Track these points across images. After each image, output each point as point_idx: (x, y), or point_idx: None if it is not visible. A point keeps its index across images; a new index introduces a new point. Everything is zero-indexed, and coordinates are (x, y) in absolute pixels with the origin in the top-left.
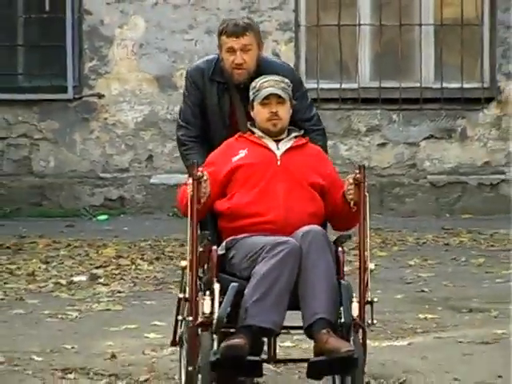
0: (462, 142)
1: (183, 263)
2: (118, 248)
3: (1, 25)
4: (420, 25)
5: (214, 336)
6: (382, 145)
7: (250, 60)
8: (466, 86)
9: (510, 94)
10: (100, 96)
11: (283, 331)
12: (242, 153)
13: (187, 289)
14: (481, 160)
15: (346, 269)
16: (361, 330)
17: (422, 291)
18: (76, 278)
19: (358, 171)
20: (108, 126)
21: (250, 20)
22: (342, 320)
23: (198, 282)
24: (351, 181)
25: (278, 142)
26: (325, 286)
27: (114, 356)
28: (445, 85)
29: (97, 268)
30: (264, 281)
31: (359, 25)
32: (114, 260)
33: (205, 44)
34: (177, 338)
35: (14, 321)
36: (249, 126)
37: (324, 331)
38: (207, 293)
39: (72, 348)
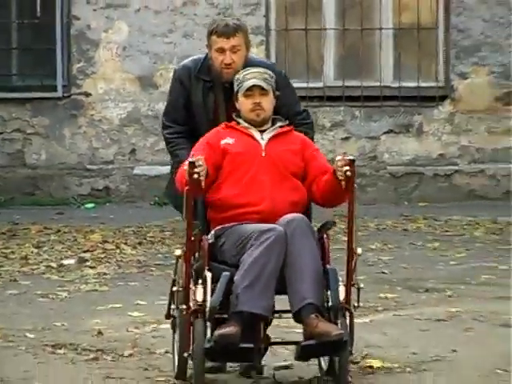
0: (419, 136)
1: (177, 252)
2: (104, 234)
3: None
4: (380, 29)
5: (208, 323)
6: (346, 139)
7: (238, 60)
8: (422, 84)
9: (463, 92)
10: (87, 94)
11: (275, 316)
12: (230, 140)
13: (179, 279)
14: (436, 153)
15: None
16: (348, 313)
17: (383, 273)
18: (65, 262)
19: (346, 162)
20: (94, 122)
21: (239, 21)
22: (330, 303)
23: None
24: (339, 164)
25: (262, 132)
26: (311, 271)
27: (100, 333)
28: (403, 84)
29: (84, 252)
30: (252, 268)
31: (324, 29)
32: (100, 245)
33: (183, 46)
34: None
35: (8, 300)
36: (234, 116)
37: (313, 316)
38: (199, 281)
39: (62, 325)
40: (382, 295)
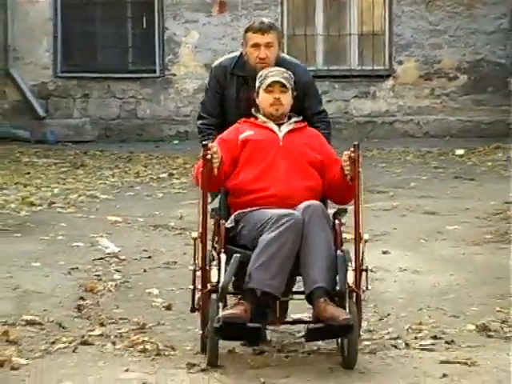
0: (374, 99)
1: (194, 235)
2: (185, 158)
3: (120, 37)
4: (350, 34)
5: (221, 304)
6: (329, 101)
7: (271, 56)
8: (375, 68)
9: (400, 72)
10: (174, 75)
11: (284, 298)
12: (249, 132)
13: (197, 260)
14: (383, 109)
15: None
16: (356, 296)
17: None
18: (161, 175)
19: (352, 149)
20: (178, 91)
21: (273, 21)
22: (338, 288)
23: (213, 252)
24: (346, 158)
25: (279, 125)
26: (324, 256)
27: (182, 217)
28: (364, 67)
29: (172, 169)
30: (267, 249)
31: (316, 35)
32: (182, 165)
33: (231, 46)
34: (195, 305)
35: (127, 199)
36: (253, 111)
37: (322, 300)
38: (214, 263)
39: (159, 213)
40: None
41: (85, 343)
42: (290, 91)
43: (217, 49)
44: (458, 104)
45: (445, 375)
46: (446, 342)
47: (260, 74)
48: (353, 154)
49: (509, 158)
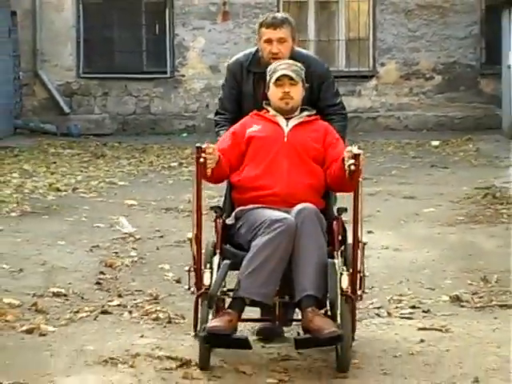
0: (359, 97)
1: (189, 235)
2: (193, 149)
3: (134, 41)
4: (338, 40)
5: (210, 310)
6: None
7: (284, 51)
8: (360, 69)
9: (382, 73)
10: (183, 76)
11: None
12: (256, 127)
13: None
14: (368, 106)
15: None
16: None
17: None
18: (172, 164)
19: (354, 160)
20: (187, 90)
21: (287, 16)
22: (328, 296)
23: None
24: (347, 155)
25: (289, 119)
26: (315, 264)
27: (190, 201)
28: (351, 69)
29: (181, 159)
30: (258, 255)
31: (308, 40)
32: (190, 155)
33: (233, 50)
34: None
35: (141, 185)
36: (264, 104)
37: (309, 309)
38: (208, 265)
39: (170, 197)
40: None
41: (105, 312)
42: (301, 83)
43: (221, 53)
44: (434, 101)
45: (422, 340)
46: (423, 311)
47: (269, 67)
48: (352, 167)
49: (478, 149)
